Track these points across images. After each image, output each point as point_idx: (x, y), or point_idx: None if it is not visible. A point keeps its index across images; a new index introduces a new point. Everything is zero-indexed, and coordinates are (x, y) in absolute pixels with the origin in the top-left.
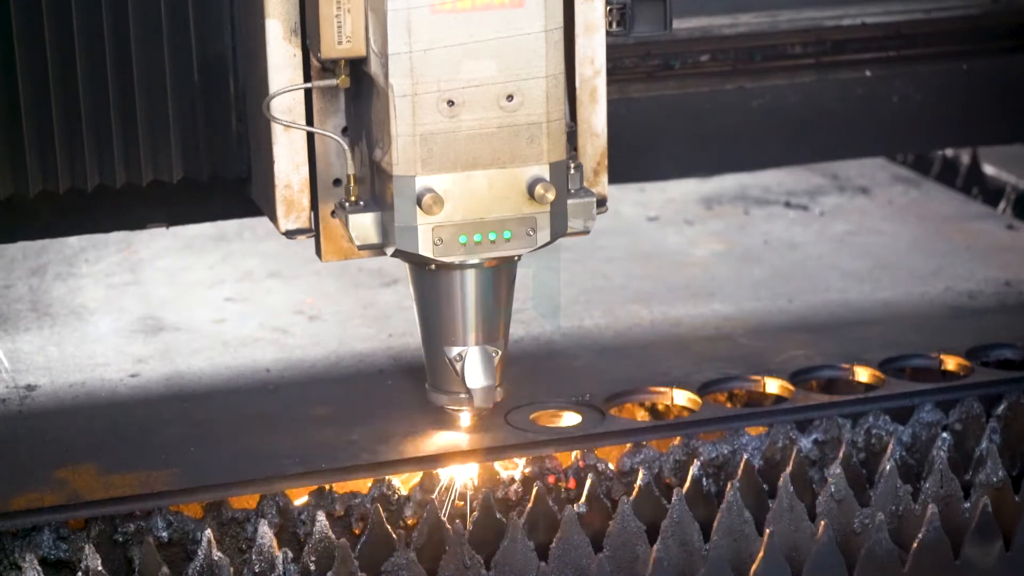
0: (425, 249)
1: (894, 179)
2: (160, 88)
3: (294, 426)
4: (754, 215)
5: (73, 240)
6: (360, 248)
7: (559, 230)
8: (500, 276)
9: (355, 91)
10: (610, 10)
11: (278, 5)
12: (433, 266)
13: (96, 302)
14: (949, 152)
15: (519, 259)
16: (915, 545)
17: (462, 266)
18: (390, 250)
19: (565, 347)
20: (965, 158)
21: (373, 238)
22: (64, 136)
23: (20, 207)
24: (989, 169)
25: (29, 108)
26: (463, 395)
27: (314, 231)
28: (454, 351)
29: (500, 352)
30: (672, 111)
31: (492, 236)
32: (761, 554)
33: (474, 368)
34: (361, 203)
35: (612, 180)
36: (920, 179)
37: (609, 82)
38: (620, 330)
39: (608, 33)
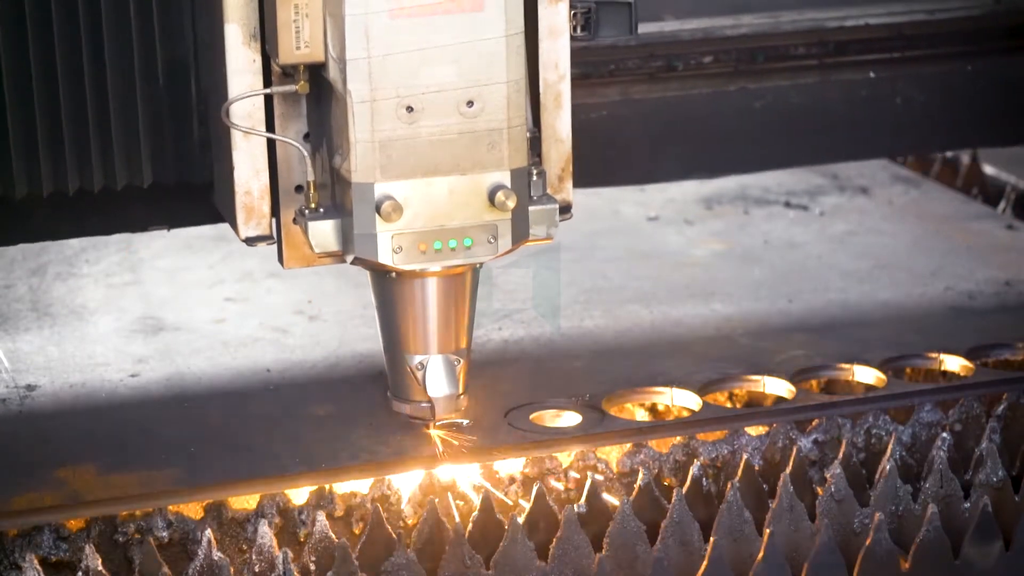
0: (384, 257)
1: (894, 179)
2: (131, 92)
3: (294, 426)
4: (754, 215)
5: (73, 240)
6: (319, 256)
7: (520, 237)
8: (462, 283)
9: (316, 97)
10: (574, 14)
11: (237, 9)
12: (394, 274)
13: (96, 302)
14: (949, 152)
15: (481, 266)
16: (915, 545)
17: (423, 274)
18: (350, 258)
19: (565, 347)
20: (965, 158)
21: (333, 245)
22: (47, 140)
23: (10, 209)
24: (989, 169)
25: (15, 112)
26: (425, 404)
27: (275, 238)
28: (416, 359)
29: (463, 360)
30: (675, 112)
31: (452, 244)
32: (761, 554)
33: (436, 377)
34: (321, 210)
35: (613, 183)
36: (920, 179)
37: (611, 83)
38: (620, 330)
39: (573, 37)
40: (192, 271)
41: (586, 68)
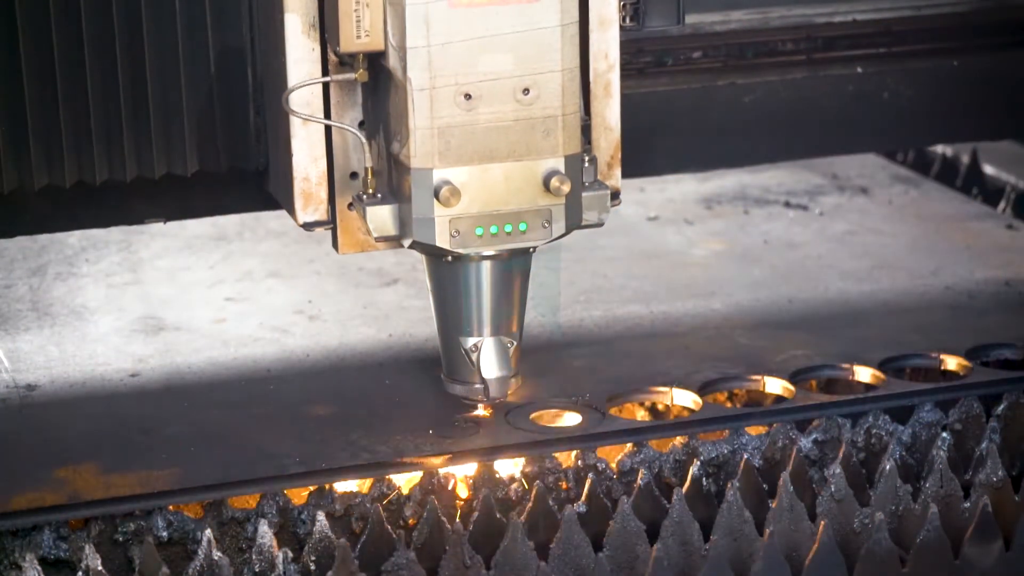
0: (442, 241)
1: (894, 179)
2: (174, 80)
3: (294, 426)
4: (754, 215)
5: (73, 240)
6: (377, 240)
7: (574, 222)
8: (515, 268)
9: (373, 85)
10: (623, 5)
11: (297, 0)
12: (450, 258)
13: (96, 302)
14: (949, 152)
15: (534, 251)
16: (915, 545)
17: (478, 258)
18: (407, 242)
19: (565, 347)
20: (965, 158)
21: (391, 230)
22: (71, 129)
23: (23, 201)
24: (989, 169)
25: (33, 100)
26: (478, 385)
27: (331, 223)
28: (470, 342)
29: (515, 343)
30: (665, 107)
31: (508, 228)
32: (761, 554)
33: (489, 358)
34: (379, 196)
35: None
36: (920, 179)
37: None
38: (620, 330)
39: (621, 28)
40: (192, 271)
41: None
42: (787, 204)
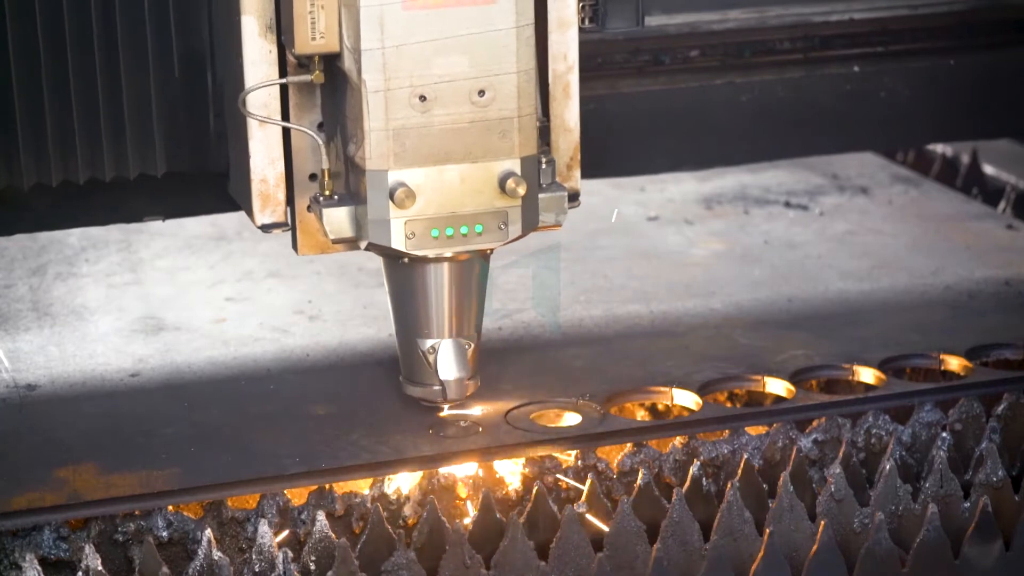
0: (398, 243)
1: (894, 179)
2: (145, 83)
3: (294, 426)
4: (754, 215)
5: (73, 240)
6: (334, 242)
7: (531, 224)
8: (472, 269)
9: (330, 87)
10: (583, 6)
11: (254, 2)
12: (406, 259)
13: (96, 302)
14: (949, 152)
15: (492, 252)
16: (915, 545)
17: (435, 259)
18: (363, 244)
19: (565, 347)
20: (965, 158)
21: (347, 232)
22: (56, 129)
23: (14, 199)
24: (989, 169)
25: (22, 101)
26: (436, 387)
27: (290, 225)
28: (427, 343)
29: (473, 344)
30: (662, 106)
31: (464, 230)
32: (761, 554)
33: (447, 360)
34: (336, 197)
35: (603, 175)
36: (920, 179)
37: (599, 77)
38: (620, 330)
39: (581, 29)
40: (192, 271)
41: None
42: (787, 204)
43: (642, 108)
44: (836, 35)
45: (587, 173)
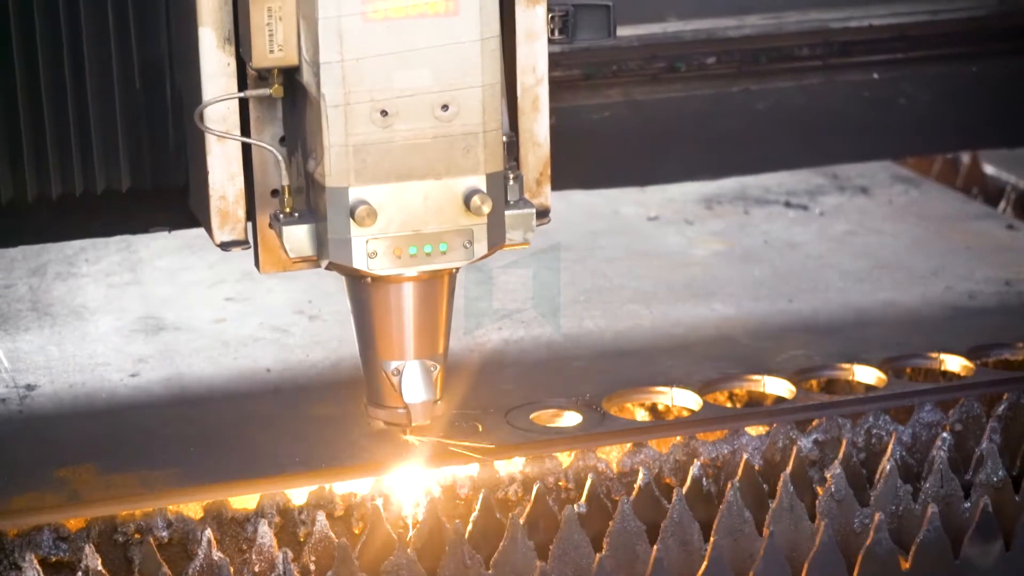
0: (359, 262)
1: (894, 179)
2: (109, 97)
3: (294, 426)
4: (754, 215)
5: (74, 240)
6: (294, 260)
7: (497, 242)
8: (438, 289)
9: (291, 101)
10: (552, 17)
11: (212, 13)
12: (369, 279)
13: (96, 302)
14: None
15: (457, 271)
16: (915, 545)
17: (398, 279)
18: (324, 263)
19: (565, 347)
20: (965, 158)
21: (307, 250)
22: (31, 144)
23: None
24: (989, 169)
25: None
26: (401, 410)
27: (252, 242)
28: (392, 365)
29: (440, 366)
30: (677, 113)
31: (428, 249)
32: (761, 554)
33: (412, 383)
34: (296, 215)
35: (615, 184)
36: (920, 179)
37: (613, 84)
38: (620, 330)
39: (550, 40)
40: (192, 271)
41: (589, 69)
42: (787, 204)
43: (657, 116)
44: (855, 42)
45: (599, 182)
